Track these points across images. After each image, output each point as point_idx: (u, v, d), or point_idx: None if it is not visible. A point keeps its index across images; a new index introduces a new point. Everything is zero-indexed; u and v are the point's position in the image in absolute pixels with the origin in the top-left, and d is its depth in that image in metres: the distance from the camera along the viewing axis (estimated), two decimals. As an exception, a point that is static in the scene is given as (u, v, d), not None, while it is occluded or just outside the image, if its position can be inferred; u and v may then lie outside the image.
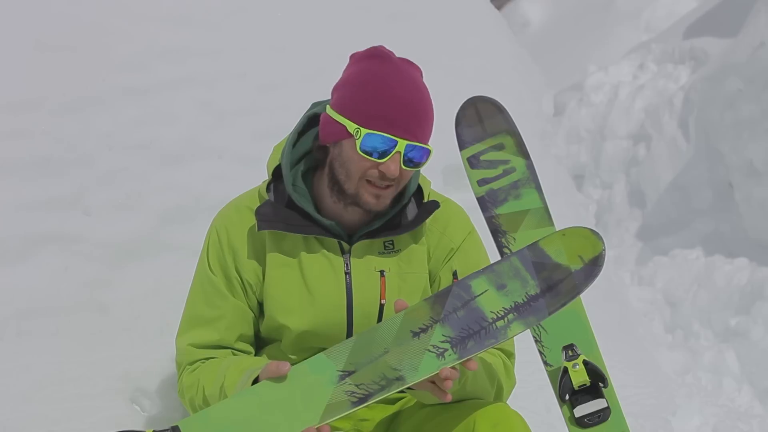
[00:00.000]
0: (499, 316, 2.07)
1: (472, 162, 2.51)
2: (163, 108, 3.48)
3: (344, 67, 2.32)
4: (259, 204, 2.33)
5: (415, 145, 2.20)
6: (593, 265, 2.08)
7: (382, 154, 2.19)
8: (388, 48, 2.30)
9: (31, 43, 3.38)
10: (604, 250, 2.09)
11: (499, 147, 2.52)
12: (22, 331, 2.81)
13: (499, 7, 11.29)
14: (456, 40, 4.57)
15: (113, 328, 2.90)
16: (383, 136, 2.18)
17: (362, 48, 2.32)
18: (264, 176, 2.44)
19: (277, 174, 2.36)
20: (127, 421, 2.73)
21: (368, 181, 2.23)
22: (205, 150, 3.45)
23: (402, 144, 2.19)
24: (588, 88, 8.71)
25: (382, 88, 2.20)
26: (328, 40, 4.07)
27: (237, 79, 3.75)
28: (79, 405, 2.71)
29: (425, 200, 2.38)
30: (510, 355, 2.41)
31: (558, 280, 2.07)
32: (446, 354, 2.05)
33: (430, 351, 2.06)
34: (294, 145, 2.34)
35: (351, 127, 2.20)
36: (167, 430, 2.01)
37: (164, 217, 3.19)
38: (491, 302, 2.08)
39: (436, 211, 2.36)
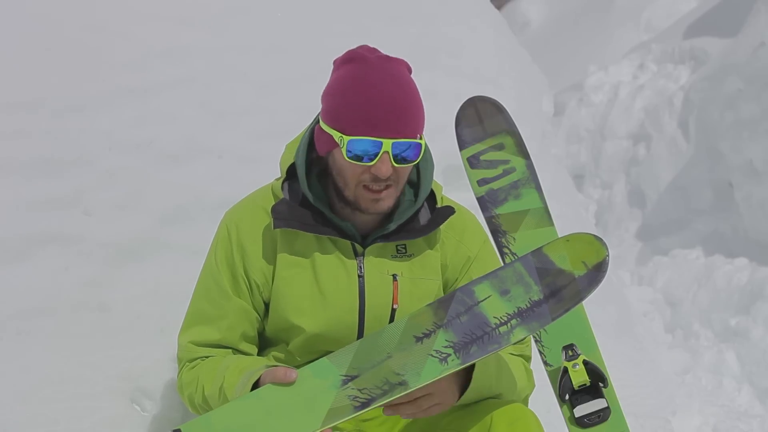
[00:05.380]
0: (503, 321, 2.07)
1: (472, 162, 2.51)
2: (163, 108, 3.48)
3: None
4: (273, 202, 2.31)
5: (402, 142, 2.18)
6: (597, 271, 2.07)
7: (371, 158, 2.17)
8: (373, 47, 2.27)
9: (31, 43, 3.38)
10: (608, 256, 2.08)
11: (499, 147, 2.52)
12: (22, 331, 2.81)
13: (499, 7, 11.27)
14: (456, 40, 4.57)
15: (113, 328, 2.90)
16: (366, 140, 2.16)
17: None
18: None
19: (290, 172, 2.34)
20: (127, 421, 2.73)
21: (365, 187, 2.21)
22: (205, 150, 3.44)
23: (388, 143, 2.16)
24: (588, 88, 8.71)
25: (359, 92, 2.17)
26: (329, 40, 4.05)
27: (237, 79, 3.75)
28: (79, 405, 2.70)
29: (438, 205, 2.37)
30: (529, 359, 2.41)
31: (561, 286, 2.07)
32: (449, 359, 2.05)
33: (432, 356, 2.05)
34: (309, 144, 2.32)
35: (336, 136, 2.19)
36: (168, 433, 2.02)
37: (164, 217, 3.19)
38: (494, 308, 2.08)
39: (451, 218, 2.34)
